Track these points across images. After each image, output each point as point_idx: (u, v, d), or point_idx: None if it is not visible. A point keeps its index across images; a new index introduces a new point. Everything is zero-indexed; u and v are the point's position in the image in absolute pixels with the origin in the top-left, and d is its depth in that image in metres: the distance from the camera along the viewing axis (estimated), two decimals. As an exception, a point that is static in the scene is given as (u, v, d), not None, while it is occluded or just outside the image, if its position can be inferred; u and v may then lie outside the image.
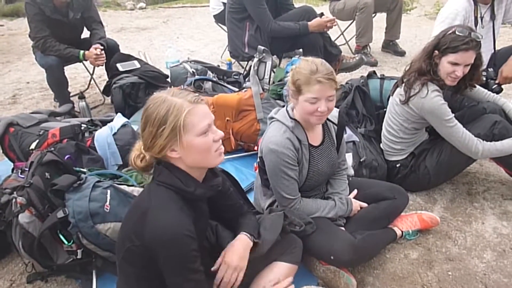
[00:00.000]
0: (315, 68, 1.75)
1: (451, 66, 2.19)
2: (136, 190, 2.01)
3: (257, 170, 2.11)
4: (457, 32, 2.16)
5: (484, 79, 2.66)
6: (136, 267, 1.39)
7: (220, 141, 1.42)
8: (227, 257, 1.57)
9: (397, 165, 2.50)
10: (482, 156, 2.28)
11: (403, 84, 2.34)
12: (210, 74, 3.50)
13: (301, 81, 1.77)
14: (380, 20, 5.02)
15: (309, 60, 1.81)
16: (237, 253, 1.58)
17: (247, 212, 1.79)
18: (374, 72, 3.04)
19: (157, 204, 1.36)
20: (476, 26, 2.95)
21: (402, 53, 5.01)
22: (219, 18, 4.74)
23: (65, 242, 1.82)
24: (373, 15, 4.73)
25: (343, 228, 1.99)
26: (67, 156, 2.26)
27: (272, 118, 1.97)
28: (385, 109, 2.62)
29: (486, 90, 2.58)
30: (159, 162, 1.42)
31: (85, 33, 3.85)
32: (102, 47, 3.50)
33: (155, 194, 1.40)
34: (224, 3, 4.50)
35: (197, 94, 1.39)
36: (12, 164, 2.52)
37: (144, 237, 1.31)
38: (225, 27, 4.33)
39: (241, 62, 4.35)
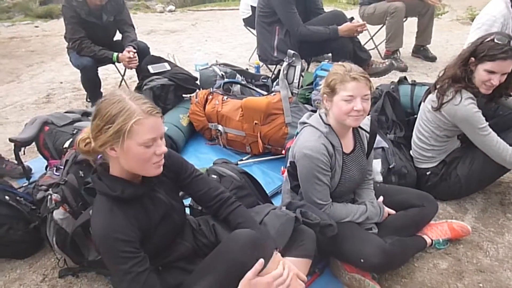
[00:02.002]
0: (349, 67, 1.80)
1: (487, 74, 2.14)
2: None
3: (285, 174, 2.11)
4: (496, 40, 2.11)
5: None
6: None
7: (162, 155, 1.43)
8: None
9: (427, 173, 2.45)
10: (517, 165, 2.22)
11: (436, 91, 2.30)
12: (238, 77, 3.53)
13: (336, 80, 1.79)
14: (410, 25, 4.94)
15: (341, 63, 1.85)
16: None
17: (232, 202, 1.70)
18: (405, 77, 3.00)
19: (93, 211, 1.48)
20: (513, 33, 2.89)
21: (433, 59, 4.92)
22: (248, 22, 4.77)
23: (97, 239, 1.87)
24: (404, 19, 4.66)
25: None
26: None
27: (305, 123, 1.96)
28: (415, 116, 2.58)
29: (522, 99, 2.51)
30: (94, 171, 1.51)
31: (117, 35, 3.94)
32: (135, 51, 3.58)
33: (95, 201, 1.49)
34: (252, 7, 4.52)
35: (154, 106, 1.40)
36: (46, 161, 2.60)
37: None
38: (254, 31, 4.36)
39: (269, 66, 4.37)
